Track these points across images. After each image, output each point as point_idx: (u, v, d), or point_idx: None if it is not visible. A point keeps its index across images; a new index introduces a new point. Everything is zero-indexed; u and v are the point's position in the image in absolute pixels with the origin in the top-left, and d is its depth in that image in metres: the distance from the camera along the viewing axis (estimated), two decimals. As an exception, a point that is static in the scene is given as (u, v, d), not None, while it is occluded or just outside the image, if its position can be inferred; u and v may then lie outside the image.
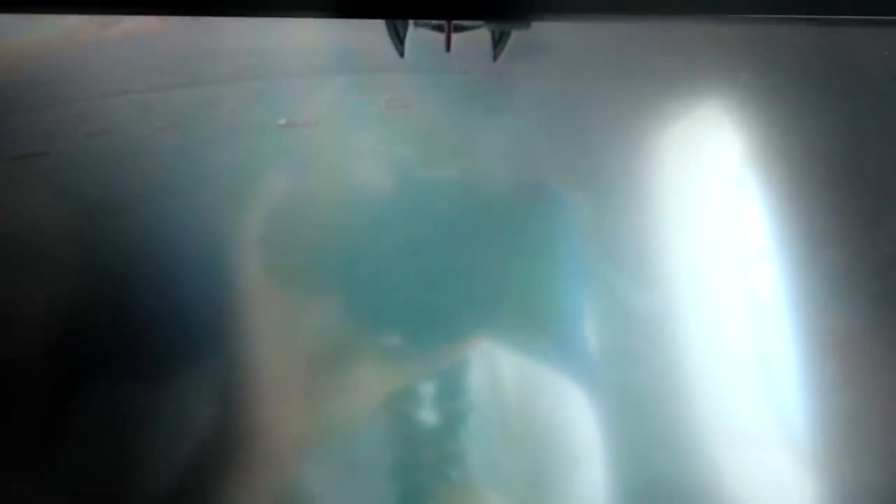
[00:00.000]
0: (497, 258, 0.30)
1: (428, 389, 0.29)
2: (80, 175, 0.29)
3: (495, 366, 0.29)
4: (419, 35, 0.30)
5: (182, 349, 0.29)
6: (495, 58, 0.30)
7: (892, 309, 0.30)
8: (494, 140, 0.30)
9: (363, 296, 0.29)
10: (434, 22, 0.30)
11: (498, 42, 0.30)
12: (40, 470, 0.29)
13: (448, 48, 0.30)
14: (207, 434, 0.28)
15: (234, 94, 0.30)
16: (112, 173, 0.29)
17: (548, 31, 0.30)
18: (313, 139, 0.30)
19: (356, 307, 0.29)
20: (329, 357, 0.29)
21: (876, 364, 0.30)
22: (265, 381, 0.29)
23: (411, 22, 0.30)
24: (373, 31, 0.30)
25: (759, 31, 0.30)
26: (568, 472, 0.29)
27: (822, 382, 0.29)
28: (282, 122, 0.30)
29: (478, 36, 0.30)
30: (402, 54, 0.30)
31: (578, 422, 0.29)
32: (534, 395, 0.29)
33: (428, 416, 0.29)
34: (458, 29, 0.30)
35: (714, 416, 0.29)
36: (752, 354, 0.30)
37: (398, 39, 0.30)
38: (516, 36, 0.30)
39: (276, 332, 0.29)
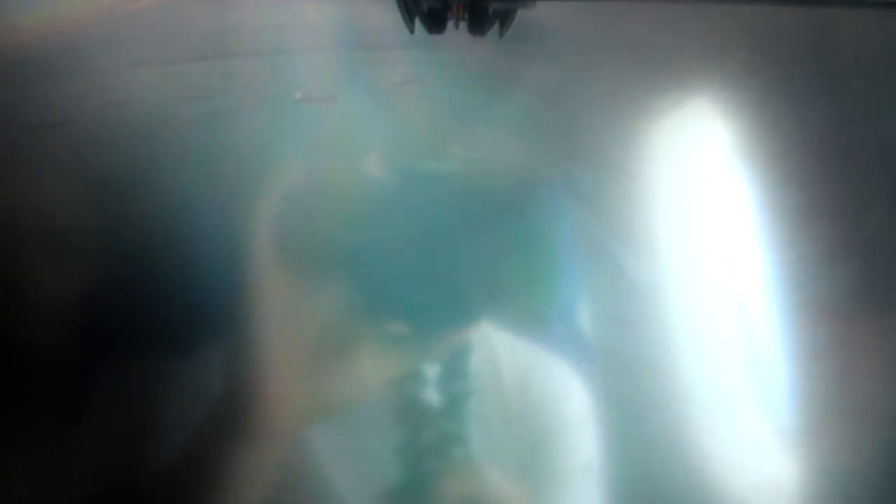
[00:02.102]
0: (502, 233, 0.31)
1: (430, 371, 0.30)
2: (98, 145, 0.30)
3: (495, 346, 0.30)
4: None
5: (197, 322, 0.29)
6: (502, 35, 0.31)
7: (873, 282, 0.32)
8: (503, 115, 0.31)
9: (373, 272, 0.30)
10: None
11: (504, 20, 0.31)
12: (64, 437, 0.30)
13: (457, 26, 0.30)
14: (219, 407, 0.30)
15: (253, 68, 0.30)
16: (130, 144, 0.30)
17: (550, 10, 0.31)
18: (329, 113, 0.31)
19: (366, 284, 0.30)
20: (336, 336, 0.30)
21: (857, 334, 0.31)
22: (274, 358, 0.30)
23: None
24: (385, 9, 0.31)
25: (754, 13, 0.32)
26: (563, 444, 0.31)
27: (804, 351, 0.31)
28: (298, 96, 0.31)
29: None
30: (412, 31, 0.30)
31: (573, 393, 0.30)
32: (531, 372, 0.31)
33: (430, 396, 0.30)
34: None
35: (702, 382, 0.31)
36: (739, 322, 0.31)
37: (408, 17, 0.30)
38: (521, 14, 0.31)
39: (287, 307, 0.30)
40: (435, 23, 0.30)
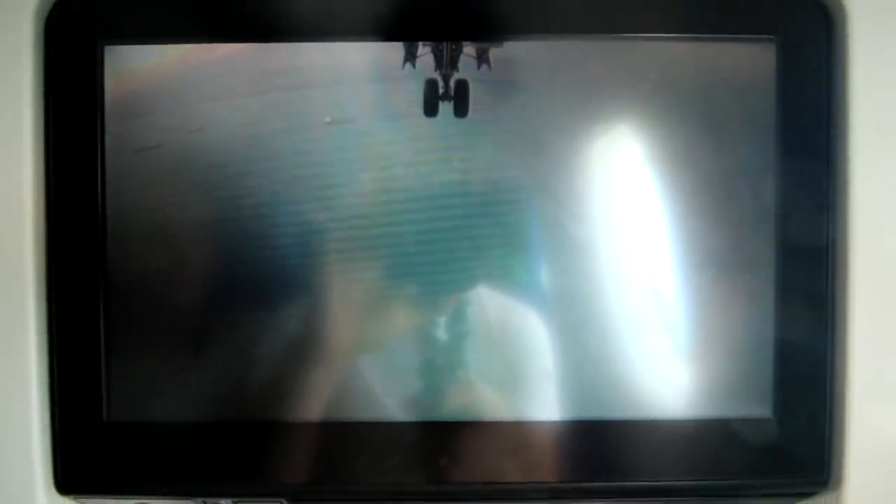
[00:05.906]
0: (488, 221, 0.37)
1: (440, 318, 0.37)
2: (185, 161, 0.37)
3: (484, 300, 0.37)
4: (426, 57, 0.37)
5: (281, 286, 0.37)
6: (478, 67, 0.37)
7: (742, 240, 0.36)
8: (484, 130, 0.37)
9: (400, 252, 0.36)
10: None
11: (480, 55, 0.37)
12: (195, 362, 0.37)
13: (448, 69, 0.37)
14: (297, 342, 0.37)
15: (295, 99, 0.36)
16: (208, 159, 0.37)
17: (513, 50, 0.36)
18: (351, 133, 0.36)
19: (395, 261, 0.36)
20: (376, 295, 0.37)
21: (730, 278, 0.36)
22: (335, 310, 0.37)
23: (420, 43, 0.36)
24: (393, 50, 0.36)
25: (659, 48, 0.36)
26: (530, 360, 0.37)
27: (693, 291, 0.37)
28: (327, 119, 0.36)
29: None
30: (414, 66, 0.36)
31: (537, 326, 0.37)
32: (509, 316, 0.37)
33: (441, 335, 0.37)
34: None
35: (625, 313, 0.37)
36: (651, 270, 0.37)
37: (411, 56, 0.36)
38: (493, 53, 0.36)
39: (343, 276, 0.37)
40: (430, 97, 0.36)
